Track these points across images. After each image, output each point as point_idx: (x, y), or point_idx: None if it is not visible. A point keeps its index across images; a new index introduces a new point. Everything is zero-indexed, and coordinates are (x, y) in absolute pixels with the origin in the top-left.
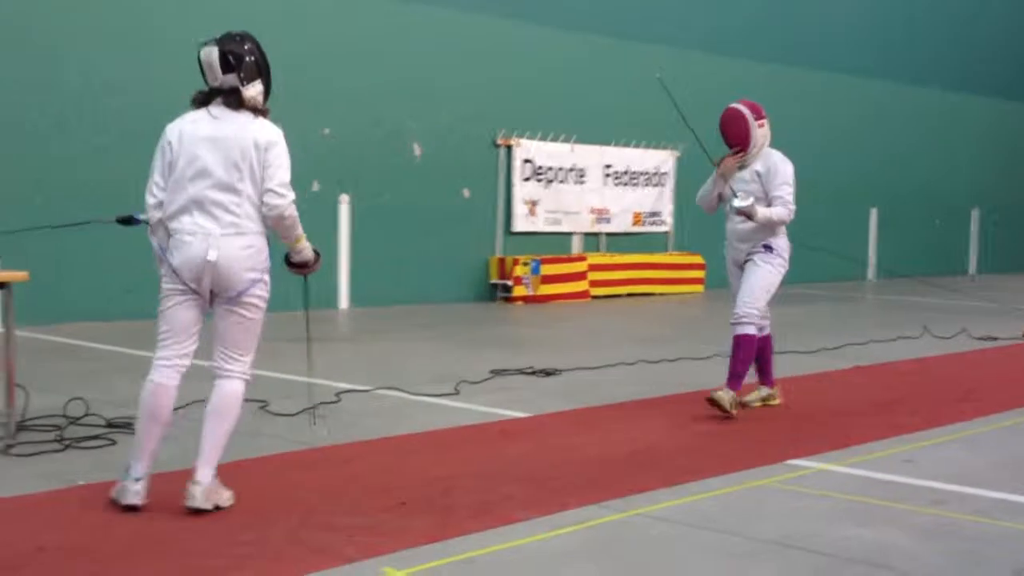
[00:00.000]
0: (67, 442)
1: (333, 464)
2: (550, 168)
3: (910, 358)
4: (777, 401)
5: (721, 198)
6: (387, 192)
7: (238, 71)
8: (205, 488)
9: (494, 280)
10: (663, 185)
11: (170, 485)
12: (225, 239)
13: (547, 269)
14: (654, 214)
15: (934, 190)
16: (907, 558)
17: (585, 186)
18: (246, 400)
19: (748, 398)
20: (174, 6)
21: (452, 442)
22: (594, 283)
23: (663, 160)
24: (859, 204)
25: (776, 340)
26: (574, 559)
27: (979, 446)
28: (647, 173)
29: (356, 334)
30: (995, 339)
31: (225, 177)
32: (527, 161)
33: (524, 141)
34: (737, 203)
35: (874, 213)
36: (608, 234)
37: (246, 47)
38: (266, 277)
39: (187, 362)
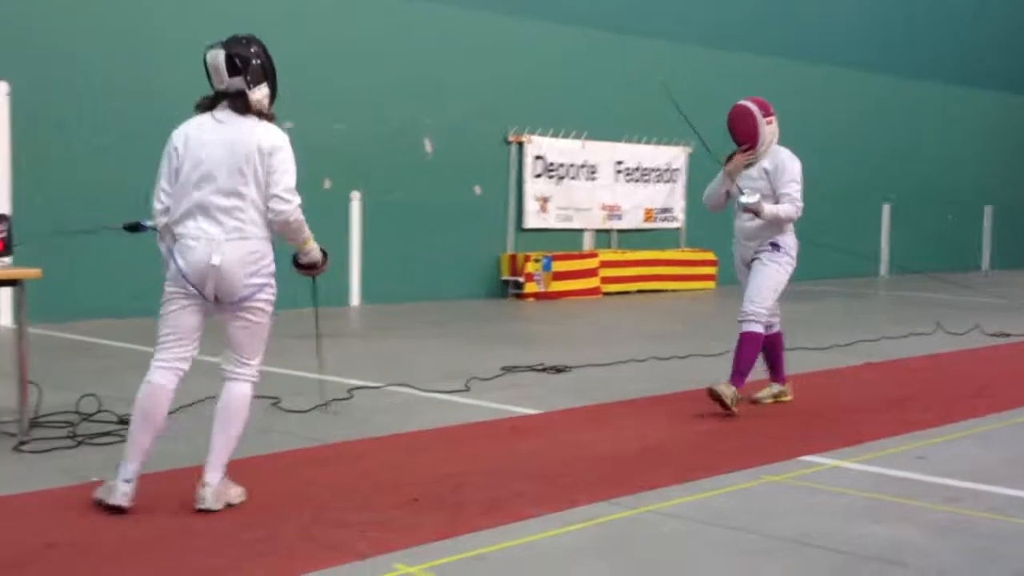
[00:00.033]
0: (80, 438)
1: (344, 460)
2: (561, 165)
3: (923, 354)
4: (789, 398)
5: (729, 196)
6: (398, 189)
7: (244, 74)
8: (215, 490)
9: (505, 277)
10: (675, 181)
11: (181, 482)
12: (229, 244)
13: (558, 266)
14: (666, 210)
15: (945, 185)
16: (922, 555)
17: (596, 182)
18: (258, 397)
19: (759, 395)
20: (175, 6)
21: (463, 439)
22: (605, 280)
23: (675, 156)
24: (871, 199)
25: (787, 337)
26: (584, 556)
27: (992, 443)
28: (659, 169)
29: (367, 331)
30: (1008, 335)
31: (229, 182)
32: (538, 158)
33: (535, 138)
34: (744, 200)
35: (886, 209)
36: (619, 231)
37: (252, 50)
38: (271, 282)
39: (186, 366)
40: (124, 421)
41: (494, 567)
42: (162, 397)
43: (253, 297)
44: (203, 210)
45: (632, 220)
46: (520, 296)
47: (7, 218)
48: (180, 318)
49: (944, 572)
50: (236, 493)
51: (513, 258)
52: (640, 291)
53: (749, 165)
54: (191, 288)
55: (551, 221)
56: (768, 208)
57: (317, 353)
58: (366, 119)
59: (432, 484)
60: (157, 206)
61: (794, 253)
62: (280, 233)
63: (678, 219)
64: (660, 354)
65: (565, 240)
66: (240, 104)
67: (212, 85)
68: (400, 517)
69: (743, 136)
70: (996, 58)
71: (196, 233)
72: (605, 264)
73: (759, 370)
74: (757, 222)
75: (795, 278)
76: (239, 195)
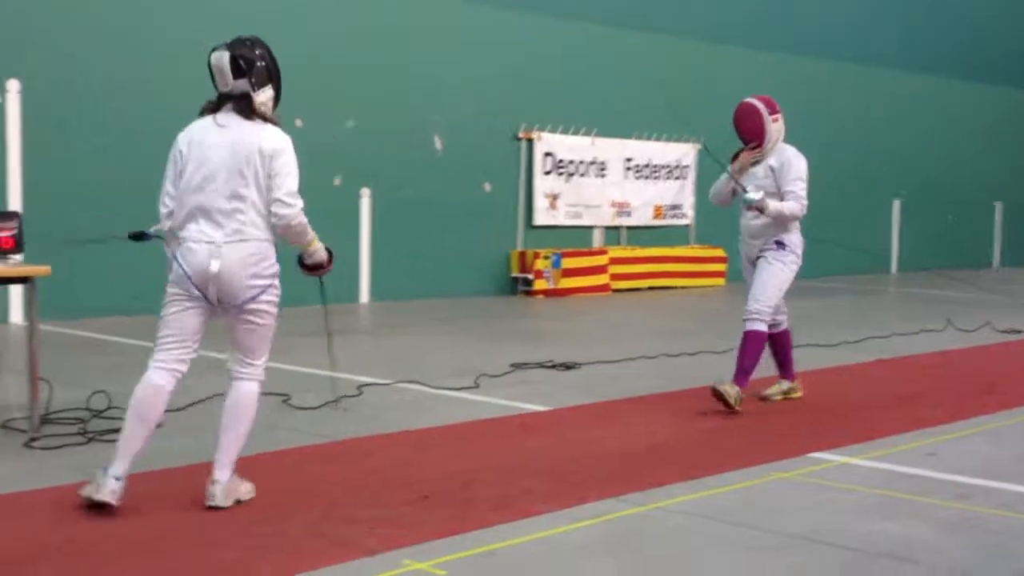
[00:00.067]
0: (90, 435)
1: (354, 457)
2: (571, 161)
3: (933, 351)
4: (799, 394)
5: (735, 193)
6: (408, 186)
7: (249, 76)
8: (224, 487)
9: (515, 274)
10: (684, 178)
11: (191, 479)
12: (228, 247)
13: (568, 263)
14: (675, 207)
15: (955, 182)
16: (933, 552)
17: (606, 179)
18: (268, 394)
19: (769, 392)
20: (181, 6)
21: (472, 435)
22: (615, 276)
23: (684, 153)
24: (881, 196)
25: (797, 333)
26: (593, 552)
27: (1003, 439)
28: (668, 166)
29: (377, 328)
30: (1019, 332)
31: (229, 184)
32: (548, 154)
33: (545, 135)
34: (748, 196)
35: (896, 205)
36: (629, 227)
37: (257, 52)
38: (275, 283)
39: (184, 368)
40: None
41: (503, 563)
42: (159, 398)
43: (257, 299)
44: (204, 213)
45: (642, 217)
46: (529, 293)
47: (18, 215)
48: (181, 320)
49: (954, 569)
50: (246, 490)
51: (523, 255)
52: (650, 288)
53: (755, 163)
54: (194, 291)
55: (561, 218)
56: (773, 205)
57: (328, 351)
58: (376, 116)
59: (441, 481)
60: (162, 209)
61: (800, 251)
62: (283, 236)
63: (688, 216)
64: (669, 351)
65: (574, 237)
66: (244, 106)
67: (216, 87)
68: (409, 513)
69: (749, 134)
70: (1004, 53)
71: (197, 236)
72: (615, 261)
73: (769, 367)
74: (762, 220)
75: (804, 275)
76: (240, 197)
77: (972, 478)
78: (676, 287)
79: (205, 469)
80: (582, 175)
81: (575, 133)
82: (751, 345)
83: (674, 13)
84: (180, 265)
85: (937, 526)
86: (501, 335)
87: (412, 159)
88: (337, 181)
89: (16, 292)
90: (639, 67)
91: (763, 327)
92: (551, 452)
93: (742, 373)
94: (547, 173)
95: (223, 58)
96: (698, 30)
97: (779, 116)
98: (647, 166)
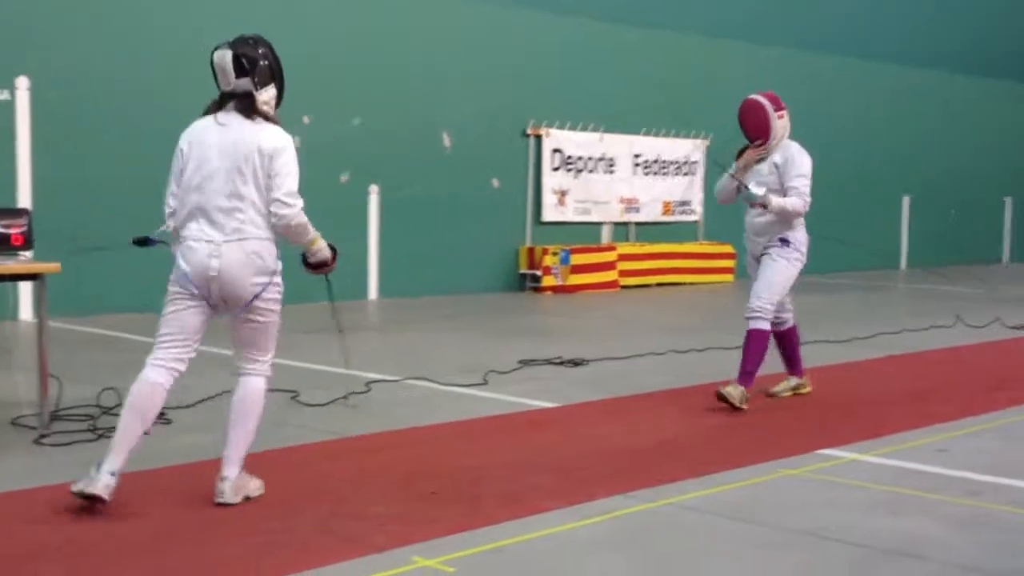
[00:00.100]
0: (100, 432)
1: (363, 454)
2: (580, 158)
3: (943, 347)
4: (808, 389)
5: (739, 190)
6: (416, 183)
7: (252, 75)
8: (233, 483)
9: (523, 270)
10: (693, 174)
11: (199, 475)
12: (228, 245)
13: (576, 259)
14: (684, 203)
15: (964, 178)
16: (943, 549)
17: (614, 175)
18: (276, 391)
19: (777, 388)
20: (195, 5)
21: (481, 432)
22: (623, 273)
23: (693, 149)
24: (891, 192)
25: (807, 329)
26: (602, 549)
27: (1014, 436)
28: (677, 162)
29: (385, 324)
30: None
31: (229, 183)
32: (556, 151)
33: (553, 131)
34: (751, 191)
35: (906, 201)
36: (637, 224)
37: (260, 51)
38: (276, 279)
39: (182, 367)
40: None
41: (512, 560)
42: (156, 395)
43: (260, 297)
44: (204, 212)
45: (650, 213)
46: (538, 289)
47: (27, 212)
48: (182, 319)
49: (965, 566)
50: (255, 486)
51: (531, 251)
52: (658, 284)
53: (760, 160)
54: (194, 290)
55: (569, 214)
56: (775, 201)
57: (341, 348)
58: (384, 113)
59: (450, 477)
60: (166, 209)
61: (804, 249)
62: (284, 236)
63: (696, 212)
64: (678, 347)
65: (583, 233)
66: (246, 106)
67: (219, 86)
68: (418, 510)
69: (754, 130)
70: (1009, 48)
71: (197, 235)
72: (623, 257)
73: (777, 364)
74: (766, 217)
75: (813, 271)
76: (239, 196)
77: (982, 475)
78: (685, 283)
79: (214, 466)
80: (590, 171)
81: (583, 129)
82: (754, 345)
83: (679, 9)
84: (180, 264)
85: (947, 523)
86: (509, 331)
87: (420, 156)
88: (344, 178)
89: (26, 289)
90: (647, 63)
91: (766, 325)
92: (560, 448)
93: (746, 375)
94: (555, 169)
95: (226, 57)
96: (702, 26)
97: (784, 112)
98: (656, 162)
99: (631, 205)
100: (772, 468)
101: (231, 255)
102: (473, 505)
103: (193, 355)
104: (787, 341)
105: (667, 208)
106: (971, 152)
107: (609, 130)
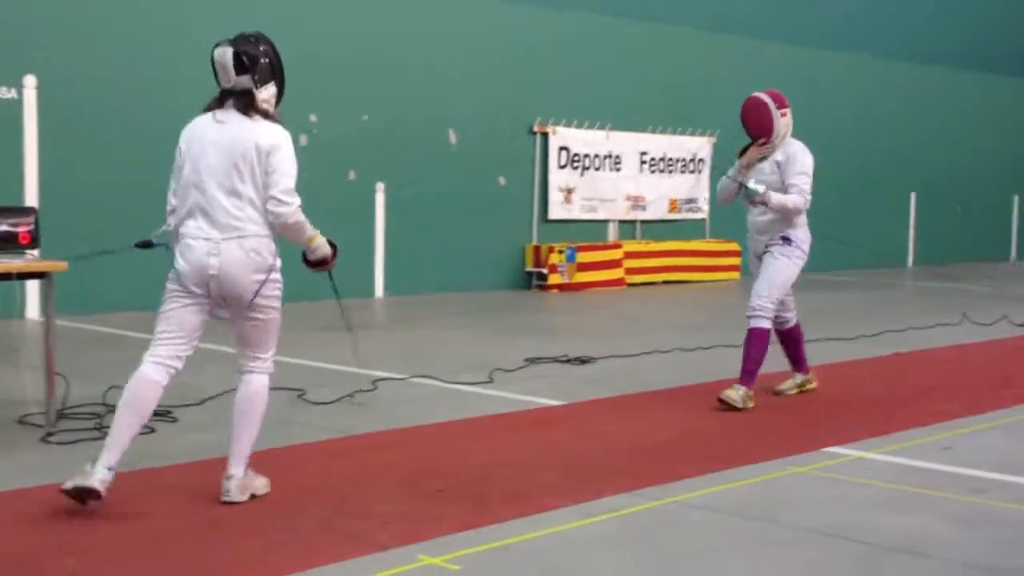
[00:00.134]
0: (106, 430)
1: (368, 452)
2: (586, 155)
3: (949, 345)
4: (814, 385)
5: (740, 189)
6: (423, 180)
7: (252, 73)
8: (239, 482)
9: (529, 268)
10: (699, 172)
11: (205, 473)
12: (227, 243)
13: (583, 257)
14: (690, 201)
15: (972, 175)
16: (948, 546)
17: (621, 173)
18: (283, 389)
19: (783, 386)
20: (198, 3)
21: (487, 430)
22: (630, 271)
23: (699, 146)
24: (899, 189)
25: (814, 327)
26: (609, 546)
27: (1019, 433)
28: (683, 160)
29: (391, 322)
30: None
31: (226, 180)
32: (563, 148)
33: (560, 129)
34: (751, 187)
35: (913, 198)
36: (644, 221)
37: (261, 48)
38: (275, 276)
39: (179, 364)
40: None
41: (518, 558)
42: (152, 392)
43: (260, 294)
44: (202, 210)
45: (656, 211)
46: (544, 287)
47: (34, 211)
48: (180, 317)
49: (969, 563)
50: (261, 484)
51: (537, 249)
52: (665, 282)
53: (763, 159)
54: (193, 288)
55: (575, 212)
56: (775, 197)
57: (352, 345)
58: (390, 111)
59: (456, 475)
60: (168, 207)
61: (806, 247)
62: (281, 233)
63: (703, 210)
64: (684, 345)
65: (589, 231)
66: (245, 103)
67: (219, 83)
68: (424, 508)
69: (756, 128)
70: (1020, 45)
71: (196, 232)
72: (629, 255)
73: (782, 363)
74: (768, 216)
75: (820, 269)
76: (237, 194)
77: (988, 472)
78: (691, 281)
79: (220, 464)
80: (597, 169)
81: (590, 127)
82: (755, 344)
83: (685, 5)
84: (177, 262)
85: (952, 520)
86: (515, 329)
87: (427, 154)
88: (352, 175)
89: (33, 287)
90: (654, 60)
91: (767, 324)
92: (566, 446)
93: (747, 375)
94: (562, 167)
95: (226, 54)
96: (709, 22)
97: (787, 111)
98: (662, 159)
99: (637, 203)
100: (778, 466)
101: (230, 253)
102: (479, 503)
103: (191, 353)
104: (791, 340)
105: (673, 206)
106: (979, 149)
107: (616, 128)
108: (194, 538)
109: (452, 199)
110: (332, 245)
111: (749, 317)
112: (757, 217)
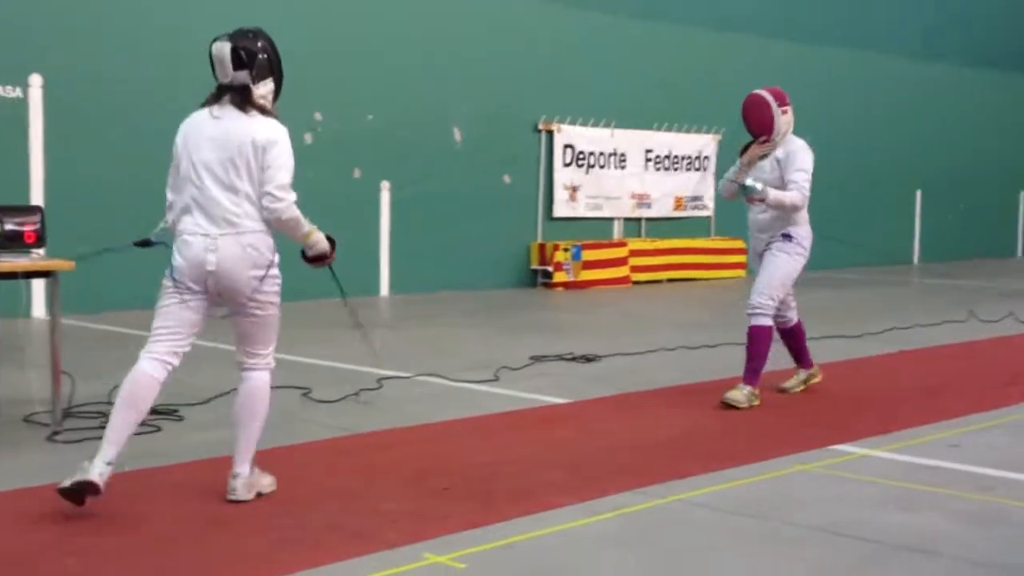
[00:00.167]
0: None
1: (374, 450)
2: (591, 153)
3: (955, 342)
4: (818, 379)
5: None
6: (428, 178)
7: (250, 68)
8: (245, 480)
9: (535, 266)
10: (705, 169)
11: (211, 472)
12: (224, 239)
13: (588, 255)
14: (696, 198)
15: (978, 171)
16: (954, 544)
17: (626, 171)
18: (288, 387)
19: (788, 384)
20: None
21: (492, 428)
22: (635, 268)
23: (705, 144)
24: (904, 186)
25: (820, 325)
26: (613, 544)
27: None
28: (688, 157)
29: (397, 321)
30: None
31: (223, 176)
32: (568, 146)
33: (565, 126)
34: (748, 183)
35: (919, 196)
36: (649, 219)
37: (259, 44)
38: (273, 271)
39: (176, 361)
40: (156, 411)
41: (523, 556)
42: (149, 388)
43: (257, 291)
44: (199, 205)
45: (662, 208)
46: (549, 285)
47: (40, 210)
48: (177, 313)
49: (976, 561)
50: (267, 482)
51: (542, 247)
52: (670, 280)
53: (764, 157)
54: (190, 284)
55: (580, 210)
56: (773, 194)
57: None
58: (395, 109)
59: (461, 473)
60: (166, 203)
61: (807, 244)
62: (277, 229)
63: (708, 207)
64: (689, 343)
65: (595, 229)
66: (242, 99)
67: (216, 77)
68: (429, 506)
69: (757, 126)
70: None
71: (193, 228)
72: (635, 253)
73: (787, 360)
74: (769, 214)
75: (826, 267)
76: (234, 189)
77: (994, 470)
78: (696, 279)
79: (226, 463)
80: (602, 167)
81: (595, 125)
82: (757, 342)
83: (690, 3)
84: (174, 258)
85: (959, 518)
86: (521, 328)
87: (431, 152)
88: (357, 174)
89: (38, 286)
90: (659, 58)
91: (768, 322)
92: (571, 444)
93: (751, 373)
94: (567, 165)
95: (224, 49)
96: (715, 19)
97: (788, 108)
98: (667, 157)
99: (643, 200)
100: (783, 464)
101: (227, 249)
102: (484, 501)
103: (188, 349)
104: (793, 338)
105: (679, 203)
106: (985, 147)
107: (621, 125)
108: (200, 536)
109: (457, 197)
110: (330, 240)
111: (749, 315)
112: (758, 215)
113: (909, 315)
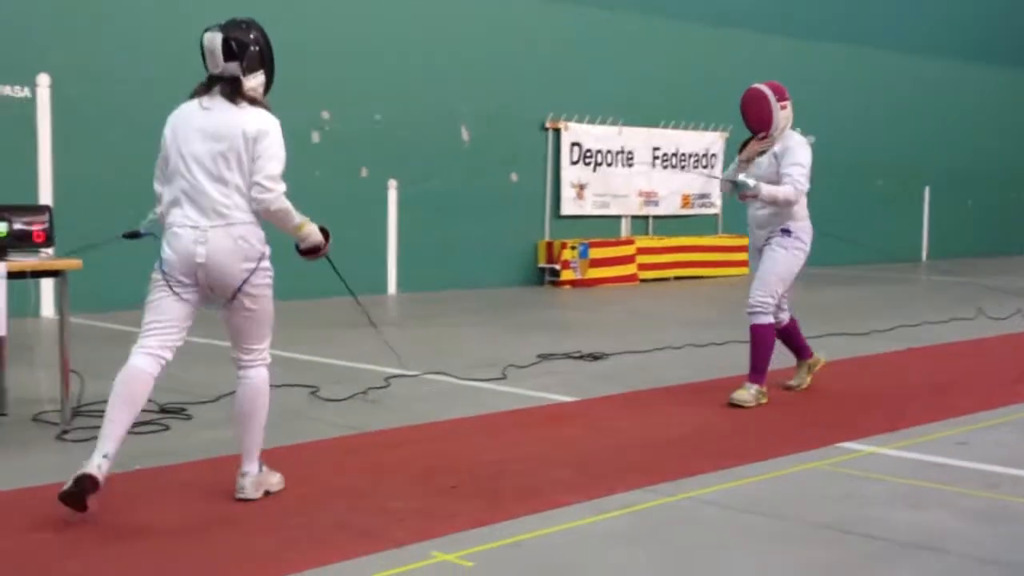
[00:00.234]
0: None
1: (382, 449)
2: (598, 151)
3: (964, 340)
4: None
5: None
6: (435, 177)
7: (241, 60)
8: (254, 479)
9: (542, 264)
10: (712, 167)
11: (220, 470)
12: (214, 231)
13: (595, 253)
14: (703, 196)
15: (986, 168)
16: (961, 541)
17: (633, 169)
18: (296, 386)
19: (794, 382)
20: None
21: (500, 426)
22: (642, 266)
23: (712, 141)
24: (913, 182)
25: (827, 322)
26: (621, 542)
27: None
28: (696, 155)
29: (404, 319)
30: None
31: (213, 167)
32: (575, 144)
33: (572, 124)
34: (740, 180)
35: (927, 192)
36: (656, 217)
37: (251, 36)
38: (264, 264)
39: (168, 355)
40: (166, 410)
41: (531, 554)
42: (143, 383)
43: (248, 283)
44: (189, 197)
45: (669, 206)
46: (557, 283)
47: (48, 209)
48: (167, 307)
49: (983, 558)
50: (275, 481)
51: (550, 245)
52: (677, 278)
53: (763, 152)
54: (180, 277)
55: (588, 208)
56: (765, 189)
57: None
58: (403, 108)
59: (469, 472)
60: (155, 195)
61: (807, 239)
62: (267, 221)
63: (715, 205)
64: (697, 341)
65: (602, 227)
66: (232, 90)
67: (207, 68)
68: (437, 505)
69: (756, 120)
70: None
71: (182, 221)
72: (642, 251)
73: (790, 357)
74: (768, 210)
75: (833, 264)
76: (223, 181)
77: (1002, 467)
78: (704, 277)
79: (235, 461)
80: (609, 164)
81: (602, 122)
82: (760, 342)
83: (698, 1)
84: (163, 251)
85: (966, 516)
86: (528, 326)
87: (439, 150)
88: (364, 172)
89: (47, 286)
90: (665, 55)
91: (768, 319)
92: (579, 443)
93: (756, 372)
94: (574, 163)
95: (215, 40)
96: (720, 16)
97: (787, 103)
98: (675, 155)
99: (650, 198)
100: (791, 461)
101: (217, 241)
102: (492, 500)
103: (180, 343)
104: (789, 335)
105: (686, 201)
106: (993, 143)
107: (628, 123)
108: (208, 534)
109: (464, 196)
110: (324, 232)
111: (750, 314)
112: (756, 211)
113: (917, 312)
